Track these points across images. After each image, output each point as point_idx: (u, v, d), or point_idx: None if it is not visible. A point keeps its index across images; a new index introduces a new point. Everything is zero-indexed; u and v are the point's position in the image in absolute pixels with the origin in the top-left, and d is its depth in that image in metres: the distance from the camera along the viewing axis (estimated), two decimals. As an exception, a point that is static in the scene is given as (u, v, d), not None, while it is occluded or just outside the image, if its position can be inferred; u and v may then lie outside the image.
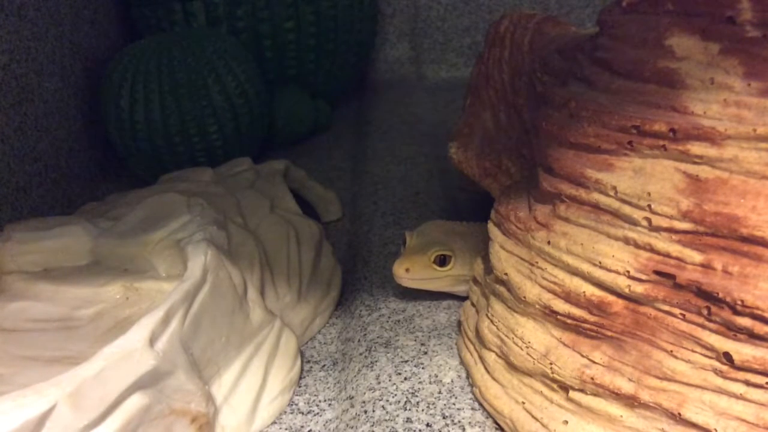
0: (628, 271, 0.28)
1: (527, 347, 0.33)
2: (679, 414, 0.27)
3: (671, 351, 0.28)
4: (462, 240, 0.45)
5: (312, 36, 0.77)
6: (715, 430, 0.26)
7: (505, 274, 0.34)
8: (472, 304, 0.40)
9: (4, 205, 0.54)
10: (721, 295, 0.26)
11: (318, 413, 0.39)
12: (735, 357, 0.26)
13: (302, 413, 0.39)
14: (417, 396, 0.37)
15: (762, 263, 0.25)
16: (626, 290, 0.28)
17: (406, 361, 0.40)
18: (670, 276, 0.27)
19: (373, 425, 0.35)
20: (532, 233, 0.33)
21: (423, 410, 0.36)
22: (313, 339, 0.46)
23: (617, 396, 0.29)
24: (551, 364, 0.31)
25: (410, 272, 0.43)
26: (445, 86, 1.01)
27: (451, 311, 0.45)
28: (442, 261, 0.43)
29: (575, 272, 0.30)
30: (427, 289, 0.45)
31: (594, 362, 0.30)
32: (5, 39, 0.55)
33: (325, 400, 0.40)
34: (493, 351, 0.35)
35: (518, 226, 0.34)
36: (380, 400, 0.37)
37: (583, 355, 0.30)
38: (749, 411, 0.26)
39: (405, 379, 0.39)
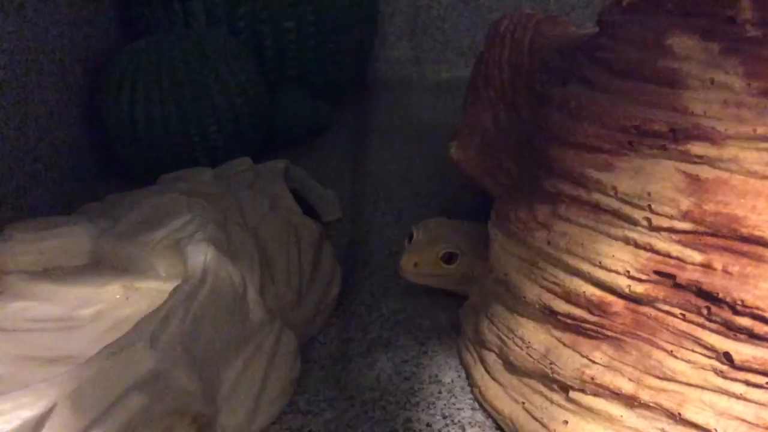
0: (628, 271, 0.28)
1: (527, 347, 0.33)
2: (679, 414, 0.27)
3: (671, 351, 0.28)
4: (467, 239, 0.45)
5: (312, 36, 0.77)
6: (715, 430, 0.26)
7: (505, 274, 0.34)
8: (472, 304, 0.40)
9: (4, 205, 0.54)
10: (721, 295, 0.26)
11: (318, 413, 0.39)
12: (735, 357, 0.26)
13: (302, 413, 0.39)
14: (417, 396, 0.37)
15: (762, 263, 0.25)
16: (626, 290, 0.28)
17: (406, 361, 0.40)
18: (670, 276, 0.27)
19: (373, 425, 0.35)
20: (532, 233, 0.33)
21: (423, 410, 0.36)
22: (313, 339, 0.46)
23: (617, 396, 0.29)
24: (551, 364, 0.31)
25: (418, 267, 0.43)
26: (445, 86, 1.01)
27: (451, 311, 0.45)
28: (449, 258, 0.43)
29: (575, 272, 0.30)
30: (430, 285, 0.45)
31: (594, 362, 0.30)
32: (5, 39, 0.55)
33: (325, 400, 0.40)
34: (493, 351, 0.35)
35: (518, 226, 0.34)
36: (380, 400, 0.37)
37: (583, 355, 0.30)
38: (749, 411, 0.26)
39: (405, 379, 0.39)
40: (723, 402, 0.26)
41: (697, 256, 0.27)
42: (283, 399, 0.39)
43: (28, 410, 0.26)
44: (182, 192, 0.46)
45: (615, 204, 0.29)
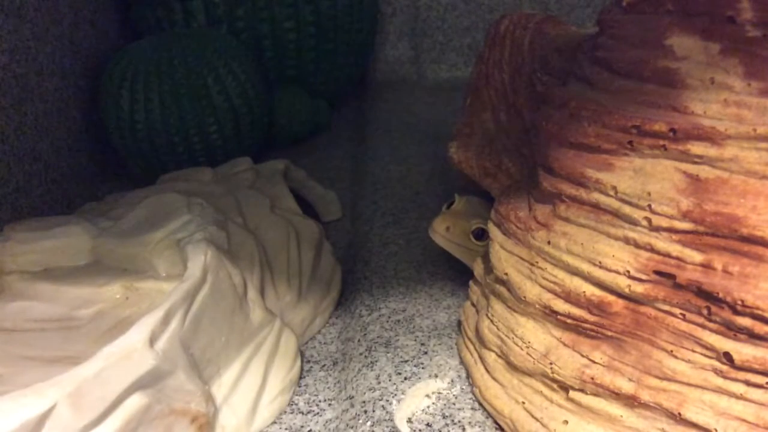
0: (628, 271, 0.28)
1: (527, 347, 0.33)
2: (679, 414, 0.27)
3: (671, 351, 0.28)
4: None
5: (312, 36, 0.77)
6: (715, 430, 0.26)
7: (505, 273, 0.34)
8: (472, 304, 0.40)
9: (4, 205, 0.54)
10: (721, 295, 0.26)
11: (318, 413, 0.39)
12: (735, 357, 0.26)
13: (302, 413, 0.39)
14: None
15: (762, 263, 0.25)
16: (626, 290, 0.28)
17: (406, 361, 0.40)
18: (670, 276, 0.27)
19: (373, 425, 0.35)
20: (532, 233, 0.33)
21: (423, 410, 0.36)
22: (313, 339, 0.46)
23: (617, 396, 0.29)
24: (551, 364, 0.31)
25: (449, 232, 0.44)
26: (445, 86, 1.01)
27: (451, 311, 0.45)
28: (480, 235, 0.44)
29: (575, 272, 0.30)
30: (454, 255, 0.46)
31: (594, 362, 0.30)
32: (5, 39, 0.55)
33: (325, 400, 0.40)
34: (493, 351, 0.35)
35: (518, 225, 0.34)
36: (380, 400, 0.37)
37: (583, 355, 0.30)
38: (749, 411, 0.26)
39: (405, 379, 0.39)
40: (723, 402, 0.26)
41: (697, 256, 0.27)
42: (283, 399, 0.39)
43: (28, 410, 0.26)
44: (182, 192, 0.46)
45: (615, 204, 0.29)
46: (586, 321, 0.30)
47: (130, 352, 0.30)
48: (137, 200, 0.46)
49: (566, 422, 0.31)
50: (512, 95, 0.46)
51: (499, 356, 0.35)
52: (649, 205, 0.28)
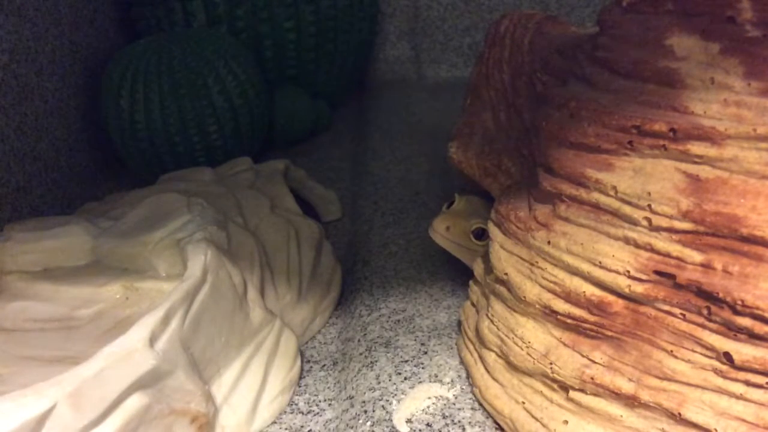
0: (628, 271, 0.28)
1: (527, 347, 0.33)
2: (679, 414, 0.27)
3: (671, 351, 0.28)
4: None
5: (312, 36, 0.77)
6: (715, 430, 0.26)
7: (505, 273, 0.34)
8: (472, 304, 0.40)
9: (4, 205, 0.54)
10: (721, 295, 0.26)
11: (318, 413, 0.39)
12: (735, 357, 0.26)
13: (302, 413, 0.39)
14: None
15: (762, 263, 0.25)
16: (626, 290, 0.28)
17: (406, 361, 0.40)
18: (670, 276, 0.27)
19: (373, 425, 0.35)
20: (532, 233, 0.33)
21: (423, 410, 0.36)
22: (313, 339, 0.46)
23: (617, 396, 0.29)
24: (551, 364, 0.31)
25: (449, 231, 0.44)
26: (445, 86, 1.01)
27: (451, 311, 0.45)
28: (480, 234, 0.44)
29: (575, 272, 0.30)
30: (454, 255, 0.46)
31: (594, 362, 0.30)
32: (5, 39, 0.55)
33: (325, 400, 0.40)
34: (493, 351, 0.35)
35: (518, 225, 0.34)
36: (380, 400, 0.37)
37: (583, 355, 0.30)
38: (749, 411, 0.26)
39: (405, 379, 0.39)
40: (723, 402, 0.26)
41: (697, 256, 0.27)
42: (283, 399, 0.39)
43: (28, 410, 0.26)
44: (182, 192, 0.46)
45: (615, 204, 0.29)
46: (586, 321, 0.30)
47: (130, 352, 0.30)
48: (137, 200, 0.46)
49: (566, 422, 0.31)
50: (512, 95, 0.46)
51: (499, 356, 0.35)
52: (649, 205, 0.28)
